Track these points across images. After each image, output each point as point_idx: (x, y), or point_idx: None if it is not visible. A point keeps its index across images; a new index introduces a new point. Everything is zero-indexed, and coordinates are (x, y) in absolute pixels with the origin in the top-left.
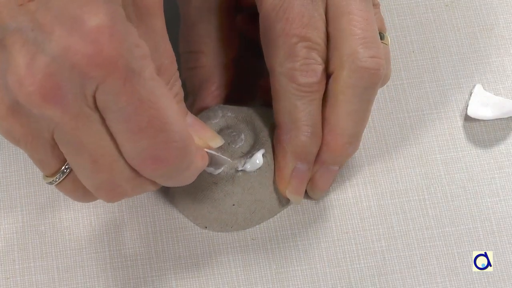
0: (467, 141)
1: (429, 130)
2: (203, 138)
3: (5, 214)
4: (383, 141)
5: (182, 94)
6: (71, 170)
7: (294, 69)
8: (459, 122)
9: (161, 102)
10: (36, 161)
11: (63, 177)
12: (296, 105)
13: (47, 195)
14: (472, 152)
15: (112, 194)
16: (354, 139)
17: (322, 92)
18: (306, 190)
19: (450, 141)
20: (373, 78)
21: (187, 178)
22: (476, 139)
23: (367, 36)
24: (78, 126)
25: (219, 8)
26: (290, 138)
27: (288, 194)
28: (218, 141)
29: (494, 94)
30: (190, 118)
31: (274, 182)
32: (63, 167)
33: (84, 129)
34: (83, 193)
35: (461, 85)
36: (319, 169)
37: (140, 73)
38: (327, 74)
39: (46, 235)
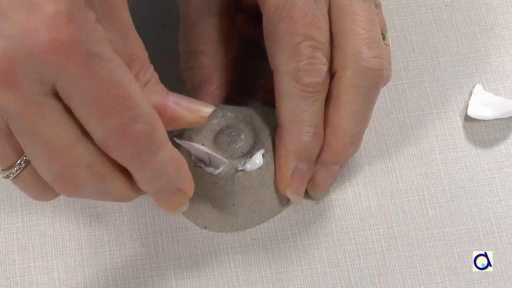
0: (467, 141)
1: (429, 130)
2: (194, 110)
3: (5, 214)
4: (383, 141)
5: (155, 77)
6: (28, 163)
7: (298, 69)
8: (459, 122)
9: (124, 80)
10: None
11: (20, 169)
12: (300, 105)
13: None
14: (472, 152)
15: (69, 184)
16: (355, 139)
17: (326, 92)
18: (306, 190)
19: (450, 141)
20: (377, 78)
21: (160, 165)
22: (476, 139)
23: (370, 37)
24: (33, 114)
25: (219, 8)
26: (292, 138)
27: (289, 194)
28: (208, 108)
29: (494, 94)
30: (173, 96)
31: (274, 182)
32: (19, 159)
33: (40, 117)
34: (41, 188)
35: (461, 85)
36: (320, 169)
37: (100, 56)
38: (330, 74)
39: (46, 235)
